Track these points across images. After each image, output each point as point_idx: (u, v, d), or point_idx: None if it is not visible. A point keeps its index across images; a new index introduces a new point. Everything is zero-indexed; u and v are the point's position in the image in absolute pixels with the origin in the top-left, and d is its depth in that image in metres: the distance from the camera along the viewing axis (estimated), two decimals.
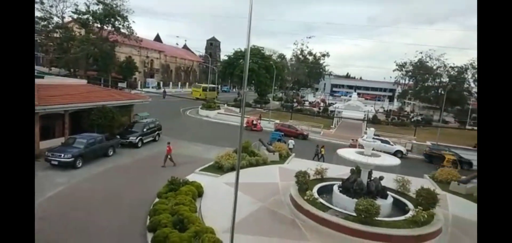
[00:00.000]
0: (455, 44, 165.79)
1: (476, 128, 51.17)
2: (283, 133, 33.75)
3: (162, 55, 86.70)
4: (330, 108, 64.70)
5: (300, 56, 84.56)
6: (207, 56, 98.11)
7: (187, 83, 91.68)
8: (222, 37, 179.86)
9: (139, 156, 22.31)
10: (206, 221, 12.57)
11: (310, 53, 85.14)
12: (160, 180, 16.50)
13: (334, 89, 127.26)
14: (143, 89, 62.57)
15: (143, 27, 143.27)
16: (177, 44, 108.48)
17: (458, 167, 27.40)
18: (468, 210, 16.65)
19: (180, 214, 12.08)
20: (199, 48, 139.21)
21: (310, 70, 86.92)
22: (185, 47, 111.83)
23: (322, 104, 76.27)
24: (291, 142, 28.67)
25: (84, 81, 31.95)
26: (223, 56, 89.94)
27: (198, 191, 15.19)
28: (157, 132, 27.08)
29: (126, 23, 52.21)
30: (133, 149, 23.74)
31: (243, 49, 58.95)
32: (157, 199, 14.44)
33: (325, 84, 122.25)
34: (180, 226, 11.59)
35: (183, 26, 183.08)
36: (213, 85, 74.46)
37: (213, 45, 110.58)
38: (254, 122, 39.28)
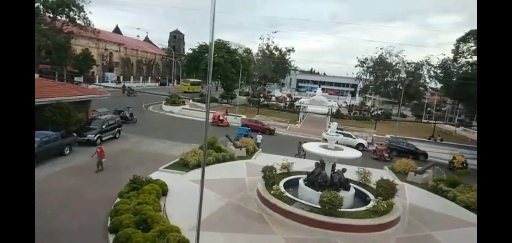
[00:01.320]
0: (412, 42, 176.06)
1: (431, 121, 54.89)
2: (250, 129, 33.80)
3: (122, 48, 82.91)
4: (296, 103, 65.87)
5: (266, 51, 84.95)
6: (170, 50, 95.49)
7: (150, 77, 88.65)
8: (186, 30, 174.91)
9: None
10: (171, 219, 12.25)
11: (276, 48, 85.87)
12: (121, 179, 15.80)
13: (300, 84, 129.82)
14: (102, 84, 59.53)
15: (101, 18, 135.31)
16: (138, 36, 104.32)
17: (467, 166, 27.90)
18: (424, 199, 17.81)
19: (143, 213, 11.67)
20: (161, 41, 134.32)
21: (276, 65, 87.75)
22: (146, 39, 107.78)
23: (288, 99, 77.40)
24: (259, 137, 28.92)
25: (36, 75, 29.69)
26: (187, 50, 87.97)
27: (162, 190, 14.74)
28: (117, 129, 25.89)
29: (82, 13, 49.17)
30: (92, 147, 22.48)
31: (208, 43, 58.10)
32: (118, 199, 13.83)
33: (291, 79, 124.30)
34: (144, 226, 11.23)
35: (145, 18, 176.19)
36: (199, 80, 75.29)
37: (176, 38, 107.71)
38: (221, 118, 38.99)
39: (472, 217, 15.71)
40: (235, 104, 51.35)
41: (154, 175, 16.57)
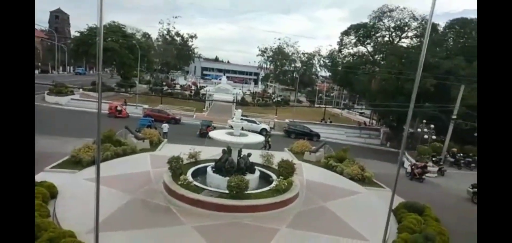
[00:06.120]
0: (305, 33, 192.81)
1: (322, 106, 61.64)
2: (153, 119, 32.10)
3: None
4: (202, 91, 65.28)
5: (167, 37, 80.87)
6: (52, 32, 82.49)
7: None
8: (71, 9, 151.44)
9: None
10: (64, 224, 10.87)
11: (177, 34, 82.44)
12: None
13: (205, 72, 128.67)
14: None
15: None
16: None
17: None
18: (318, 175, 20.09)
19: None
20: (40, 21, 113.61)
21: (179, 52, 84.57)
22: None
23: (193, 87, 76.07)
24: (166, 126, 27.74)
25: None
26: (74, 33, 77.04)
27: (51, 192, 12.89)
28: None
29: None
30: None
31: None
32: None
33: (195, 67, 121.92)
34: None
35: None
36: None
37: (59, 18, 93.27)
38: (119, 108, 35.87)
39: (356, 187, 18.60)
40: (135, 93, 47.82)
41: (39, 177, 14.30)
